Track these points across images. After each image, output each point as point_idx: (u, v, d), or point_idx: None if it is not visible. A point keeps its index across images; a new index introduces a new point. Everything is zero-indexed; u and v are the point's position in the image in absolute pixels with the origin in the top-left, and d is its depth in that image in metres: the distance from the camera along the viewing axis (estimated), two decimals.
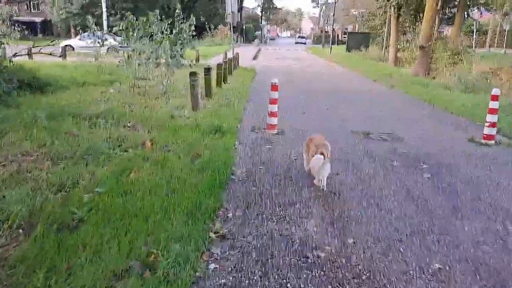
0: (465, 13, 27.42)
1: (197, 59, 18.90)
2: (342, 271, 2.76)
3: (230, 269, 2.73)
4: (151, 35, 9.25)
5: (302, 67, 21.56)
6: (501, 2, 27.11)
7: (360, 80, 16.04)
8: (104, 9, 29.53)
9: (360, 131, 6.84)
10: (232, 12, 16.65)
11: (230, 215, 3.48)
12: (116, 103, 7.90)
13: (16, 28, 12.95)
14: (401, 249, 3.05)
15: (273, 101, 6.50)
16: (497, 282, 2.72)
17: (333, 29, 39.21)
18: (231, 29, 18.62)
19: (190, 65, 9.22)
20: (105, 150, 4.83)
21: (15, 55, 9.14)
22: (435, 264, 2.88)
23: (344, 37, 48.08)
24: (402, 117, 8.32)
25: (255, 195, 3.94)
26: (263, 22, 77.80)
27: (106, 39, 13.46)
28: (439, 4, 17.01)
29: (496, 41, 43.36)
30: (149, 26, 9.16)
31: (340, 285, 2.62)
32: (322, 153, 4.09)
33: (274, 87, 6.51)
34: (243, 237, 3.14)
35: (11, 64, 8.61)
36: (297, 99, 10.10)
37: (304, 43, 63.34)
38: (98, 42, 12.72)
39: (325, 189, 4.15)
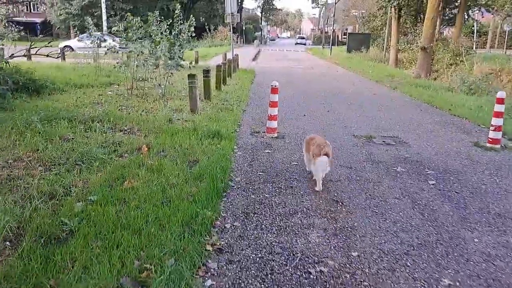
0: (465, 14, 27.25)
1: (197, 60, 18.78)
2: None
3: (227, 285, 2.57)
4: (150, 36, 9.10)
5: (302, 68, 21.41)
6: (501, 3, 26.96)
7: (361, 81, 15.88)
8: (103, 10, 29.35)
9: (363, 135, 6.68)
10: (231, 13, 16.47)
11: (227, 225, 3.32)
12: (113, 106, 7.75)
13: (13, 29, 12.80)
14: (409, 264, 2.89)
15: (273, 104, 6.34)
16: None
17: (333, 30, 39.04)
18: (231, 30, 18.45)
19: (189, 67, 9.05)
20: (99, 155, 4.67)
21: (12, 56, 8.99)
22: (445, 280, 2.72)
23: (344, 38, 47.92)
24: (404, 120, 8.16)
25: (254, 204, 3.78)
26: (263, 23, 77.73)
27: (105, 40, 13.33)
28: (441, 4, 16.84)
29: (497, 42, 43.30)
30: (149, 27, 9.01)
31: None
32: (326, 154, 4.06)
33: (274, 90, 6.35)
34: (241, 250, 2.97)
35: (7, 65, 8.46)
36: (297, 101, 9.95)
37: (304, 44, 63.22)
38: (96, 43, 12.59)
39: (321, 189, 4.17)
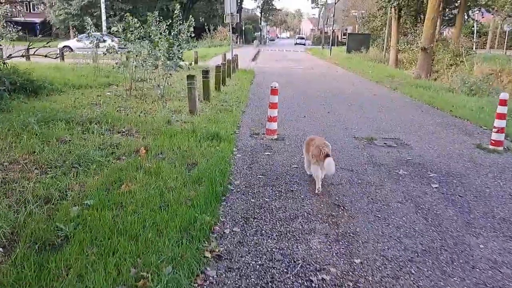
0: (465, 14, 27.19)
1: (196, 61, 18.72)
2: None
3: None
4: (150, 37, 9.03)
5: (302, 68, 21.34)
6: (501, 3, 26.91)
7: (362, 82, 15.81)
8: (103, 10, 29.25)
9: (364, 137, 6.61)
10: (231, 13, 16.39)
11: (227, 231, 3.24)
12: (112, 107, 7.67)
13: (11, 29, 12.71)
14: (413, 271, 2.81)
15: (272, 106, 6.26)
16: None
17: (333, 30, 38.97)
18: (230, 30, 18.37)
19: (188, 68, 8.97)
20: (96, 158, 4.59)
21: (9, 56, 8.90)
22: None
23: (344, 38, 47.86)
24: (405, 121, 8.09)
25: (253, 208, 3.70)
26: (263, 23, 77.65)
27: (104, 40, 13.24)
28: (441, 5, 16.77)
29: (496, 42, 43.26)
30: (148, 27, 8.94)
31: None
32: (327, 154, 4.00)
33: (273, 91, 6.27)
34: (241, 256, 2.90)
35: (4, 66, 8.37)
36: (297, 102, 9.88)
37: (304, 44, 63.18)
38: (95, 44, 12.51)
39: (320, 190, 4.15)
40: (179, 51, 9.08)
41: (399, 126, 7.65)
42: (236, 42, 45.10)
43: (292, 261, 2.87)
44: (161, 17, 9.42)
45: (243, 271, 2.73)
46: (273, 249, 3.01)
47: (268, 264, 2.82)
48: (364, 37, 33.57)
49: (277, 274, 2.71)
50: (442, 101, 10.80)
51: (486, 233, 3.42)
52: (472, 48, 23.42)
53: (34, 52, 9.11)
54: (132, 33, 8.56)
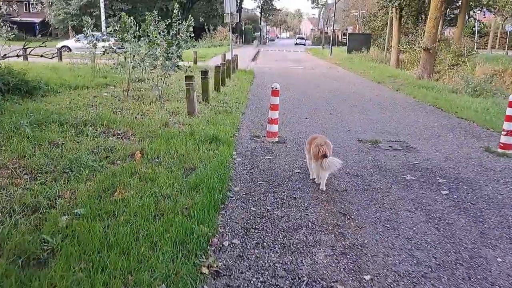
0: (467, 14, 27.00)
1: (195, 61, 18.50)
2: None
3: None
4: (148, 36, 8.81)
5: (302, 68, 21.13)
6: (502, 3, 26.73)
7: (363, 82, 15.59)
8: (102, 10, 29.02)
9: (368, 139, 6.39)
10: (230, 12, 16.17)
11: (226, 243, 3.02)
12: (108, 109, 7.45)
13: (7, 28, 12.50)
14: None
15: (273, 107, 6.05)
16: None
17: (333, 30, 38.75)
18: (230, 30, 18.15)
19: (186, 70, 8.75)
20: (89, 163, 4.37)
21: (4, 56, 8.68)
22: None
23: (344, 38, 47.66)
24: (410, 123, 7.87)
25: (254, 217, 3.48)
26: (262, 23, 77.42)
27: (104, 40, 13.00)
28: (444, 4, 16.55)
29: (498, 42, 43.08)
30: (146, 27, 8.72)
31: None
32: (324, 151, 4.02)
33: (274, 92, 6.05)
34: (241, 272, 2.68)
35: None
36: (298, 103, 9.66)
37: (304, 44, 62.94)
38: (93, 44, 12.27)
39: (324, 188, 4.17)
40: (177, 50, 8.86)
41: (403, 128, 7.44)
42: (236, 42, 44.89)
43: (297, 278, 2.65)
44: (159, 17, 9.20)
45: None
46: (276, 264, 2.79)
47: (271, 281, 2.60)
48: (365, 37, 33.33)
49: None
50: (446, 102, 10.59)
51: (502, 245, 3.20)
52: (474, 48, 23.22)
53: (29, 52, 8.89)
54: (128, 33, 8.33)
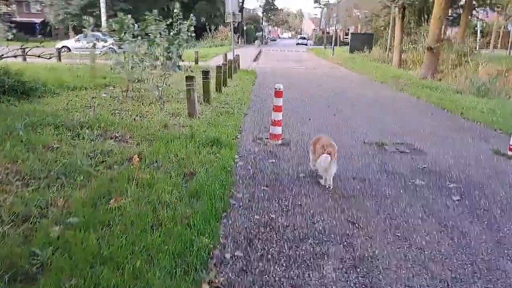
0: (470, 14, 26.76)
1: (196, 61, 18.33)
2: None
3: None
4: (148, 36, 8.63)
5: (304, 69, 20.93)
6: (505, 2, 26.48)
7: (367, 83, 15.40)
8: (103, 10, 28.84)
9: (373, 141, 6.20)
10: (232, 12, 16.00)
11: (228, 255, 2.84)
12: (106, 110, 7.27)
13: (5, 28, 12.33)
14: None
15: (277, 109, 5.86)
16: None
17: (335, 30, 38.54)
18: (231, 30, 17.97)
19: (186, 70, 8.57)
20: (85, 167, 4.18)
21: (0, 57, 8.52)
22: None
23: (346, 38, 47.41)
24: (416, 124, 7.67)
25: (258, 226, 3.29)
26: (264, 23, 77.24)
27: (105, 40, 12.82)
28: (448, 4, 16.33)
29: (500, 42, 42.79)
30: (145, 26, 8.54)
31: None
32: (329, 153, 4.07)
33: (278, 93, 5.86)
34: None
35: None
36: (301, 104, 9.47)
37: (306, 44, 62.68)
38: (93, 44, 12.10)
39: (331, 187, 4.18)
40: (177, 49, 8.68)
41: (409, 129, 7.24)
42: (238, 42, 44.72)
43: None
44: (161, 17, 9.02)
45: None
46: (282, 279, 2.61)
47: None
48: (367, 37, 33.14)
49: None
50: (451, 102, 10.40)
51: None
52: (476, 48, 23.01)
53: (26, 52, 8.73)
54: (125, 32, 8.15)
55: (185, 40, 8.82)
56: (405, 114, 8.82)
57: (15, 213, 3.20)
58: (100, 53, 10.69)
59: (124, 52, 8.37)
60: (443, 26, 19.64)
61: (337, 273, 2.70)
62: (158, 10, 10.83)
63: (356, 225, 3.41)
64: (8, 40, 12.66)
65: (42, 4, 36.05)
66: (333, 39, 35.56)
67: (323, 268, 2.75)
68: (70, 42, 24.76)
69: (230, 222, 3.33)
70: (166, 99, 8.74)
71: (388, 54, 26.50)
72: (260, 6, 76.68)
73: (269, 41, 73.55)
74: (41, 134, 5.32)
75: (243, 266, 2.72)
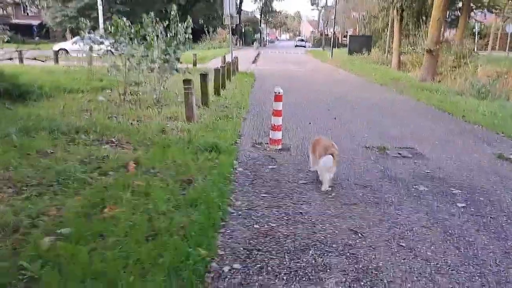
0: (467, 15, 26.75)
1: (195, 63, 18.22)
2: None
3: None
4: (145, 39, 8.53)
5: (303, 71, 20.84)
6: (503, 4, 26.50)
7: (366, 85, 15.30)
8: (100, 12, 28.72)
9: (375, 146, 6.09)
10: (230, 14, 15.89)
11: (226, 268, 2.71)
12: (103, 114, 7.14)
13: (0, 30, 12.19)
14: None
15: (276, 113, 5.75)
16: None
17: (334, 32, 38.48)
18: (230, 32, 17.87)
19: (184, 72, 8.45)
20: (79, 174, 4.06)
21: None
22: None
23: (345, 40, 47.40)
24: (417, 128, 7.57)
25: (257, 237, 3.17)
26: (262, 25, 77.21)
27: (102, 42, 12.71)
28: (447, 5, 16.26)
29: (498, 44, 42.85)
30: (139, 28, 8.43)
31: None
32: (332, 153, 4.10)
33: (278, 97, 5.75)
34: None
35: None
36: (300, 107, 9.35)
37: (304, 46, 62.63)
38: (90, 46, 11.98)
39: (328, 190, 4.17)
40: (175, 52, 8.57)
41: (410, 133, 7.13)
42: (236, 44, 44.63)
43: None
44: (157, 19, 8.91)
45: None
46: None
47: None
48: (366, 39, 33.08)
49: None
50: (452, 105, 10.30)
51: None
52: (474, 50, 22.96)
53: (23, 55, 8.60)
54: (121, 35, 8.04)
55: (182, 42, 8.71)
56: (406, 117, 8.72)
57: (5, 223, 3.08)
58: (97, 56, 10.55)
59: (120, 54, 8.25)
60: (442, 28, 19.60)
61: (340, 287, 2.58)
62: (156, 12, 10.75)
63: (359, 234, 3.29)
64: (4, 42, 12.53)
65: (39, 7, 35.90)
66: (332, 41, 35.47)
67: (326, 282, 2.63)
68: (68, 45, 24.58)
69: (228, 231, 3.21)
70: (164, 102, 8.62)
71: (387, 56, 26.46)
72: (258, 8, 76.60)
73: (267, 43, 73.54)
74: (36, 139, 5.20)
75: (241, 280, 2.60)
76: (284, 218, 3.53)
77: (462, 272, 2.81)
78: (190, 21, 9.02)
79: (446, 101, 10.96)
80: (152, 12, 9.17)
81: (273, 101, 5.80)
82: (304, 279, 2.65)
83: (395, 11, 23.00)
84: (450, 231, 3.43)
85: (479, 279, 2.74)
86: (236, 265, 2.75)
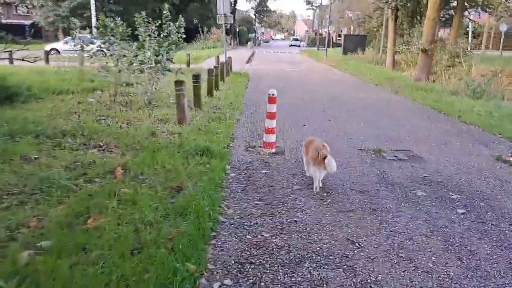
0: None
1: (188, 63, 18.01)
2: None
3: None
4: (137, 38, 8.34)
5: (298, 71, 20.70)
6: (496, 4, 26.50)
7: (361, 85, 15.19)
8: (93, 12, 28.38)
9: (370, 148, 5.95)
10: (224, 14, 15.71)
11: (216, 285, 2.55)
12: (92, 116, 6.94)
13: None
14: None
15: (270, 116, 5.59)
16: None
17: (329, 32, 38.42)
18: (224, 31, 17.70)
19: (176, 72, 8.27)
20: (63, 182, 3.87)
21: None
22: None
23: (339, 40, 47.33)
24: (413, 129, 7.45)
25: (250, 248, 3.01)
26: (257, 25, 77.01)
27: (93, 42, 12.47)
28: (441, 5, 16.19)
29: (491, 43, 42.99)
30: (126, 28, 8.24)
31: None
32: (325, 156, 4.00)
33: (272, 99, 5.59)
34: None
35: None
36: (295, 108, 9.20)
37: (299, 46, 62.51)
38: (81, 46, 11.75)
39: (318, 190, 4.16)
40: (167, 53, 8.38)
41: (406, 134, 7.01)
42: (230, 44, 44.40)
43: None
44: (149, 19, 8.71)
45: None
46: None
47: None
48: (360, 39, 33.07)
49: None
50: (448, 105, 10.21)
51: None
52: (468, 49, 22.94)
53: (12, 55, 8.38)
54: (109, 35, 7.84)
55: (175, 43, 8.52)
56: (402, 118, 8.60)
57: None
58: (88, 56, 10.34)
59: (111, 54, 8.06)
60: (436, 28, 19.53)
61: None
62: (149, 11, 10.56)
63: (356, 244, 3.14)
64: None
65: (29, 7, 35.45)
66: (326, 40, 35.39)
67: None
68: (59, 45, 24.31)
69: (219, 243, 3.04)
70: (156, 104, 8.44)
71: (381, 56, 26.39)
72: (252, 8, 76.42)
73: (262, 42, 73.32)
74: (20, 143, 5.00)
75: None
76: (278, 227, 3.37)
77: (465, 286, 2.67)
78: (183, 20, 8.84)
79: (441, 101, 10.88)
80: (145, 11, 8.99)
81: (267, 103, 5.64)
82: None
83: (389, 10, 22.93)
84: (451, 240, 3.29)
85: None
86: (227, 281, 2.59)
